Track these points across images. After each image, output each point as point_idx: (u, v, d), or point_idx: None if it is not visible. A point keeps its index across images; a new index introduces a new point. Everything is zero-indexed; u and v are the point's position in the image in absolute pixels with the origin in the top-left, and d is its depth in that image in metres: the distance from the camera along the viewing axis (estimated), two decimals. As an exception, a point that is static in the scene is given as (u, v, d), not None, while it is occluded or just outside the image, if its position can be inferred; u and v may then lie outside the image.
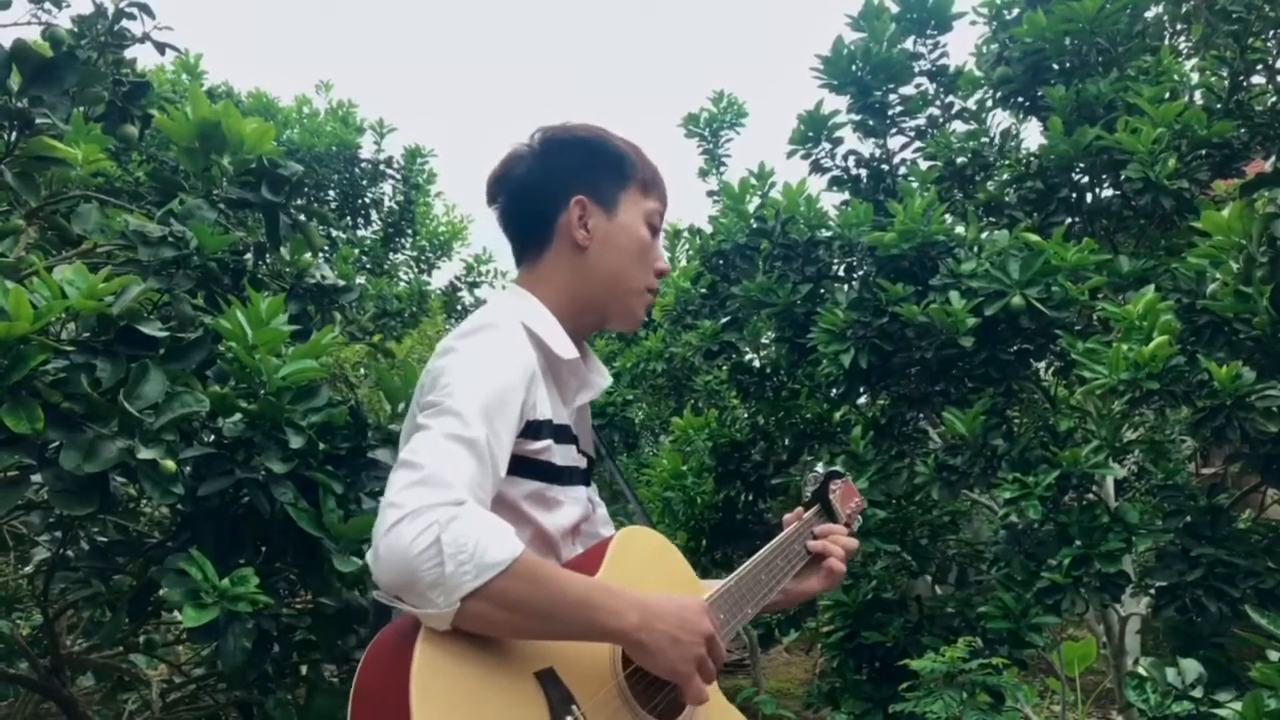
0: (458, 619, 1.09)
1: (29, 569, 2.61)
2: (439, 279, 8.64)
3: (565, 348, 1.41)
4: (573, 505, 1.41)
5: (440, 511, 1.09)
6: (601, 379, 1.51)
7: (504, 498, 1.29)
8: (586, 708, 1.21)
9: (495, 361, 1.29)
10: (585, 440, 1.52)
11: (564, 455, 1.39)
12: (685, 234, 6.62)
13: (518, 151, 1.51)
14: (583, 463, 1.48)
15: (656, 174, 1.53)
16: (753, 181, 4.49)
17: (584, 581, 1.20)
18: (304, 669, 2.38)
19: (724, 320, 4.71)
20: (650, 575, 1.38)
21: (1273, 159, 3.78)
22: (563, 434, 1.40)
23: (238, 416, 2.03)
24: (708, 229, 4.86)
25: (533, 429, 1.32)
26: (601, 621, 1.17)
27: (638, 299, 1.50)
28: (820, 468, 1.80)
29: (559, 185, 1.46)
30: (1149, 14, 4.08)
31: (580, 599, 1.16)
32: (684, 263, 6.54)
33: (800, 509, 1.72)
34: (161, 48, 2.85)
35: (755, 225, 4.31)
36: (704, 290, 4.78)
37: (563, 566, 1.34)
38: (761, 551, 1.55)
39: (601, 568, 1.31)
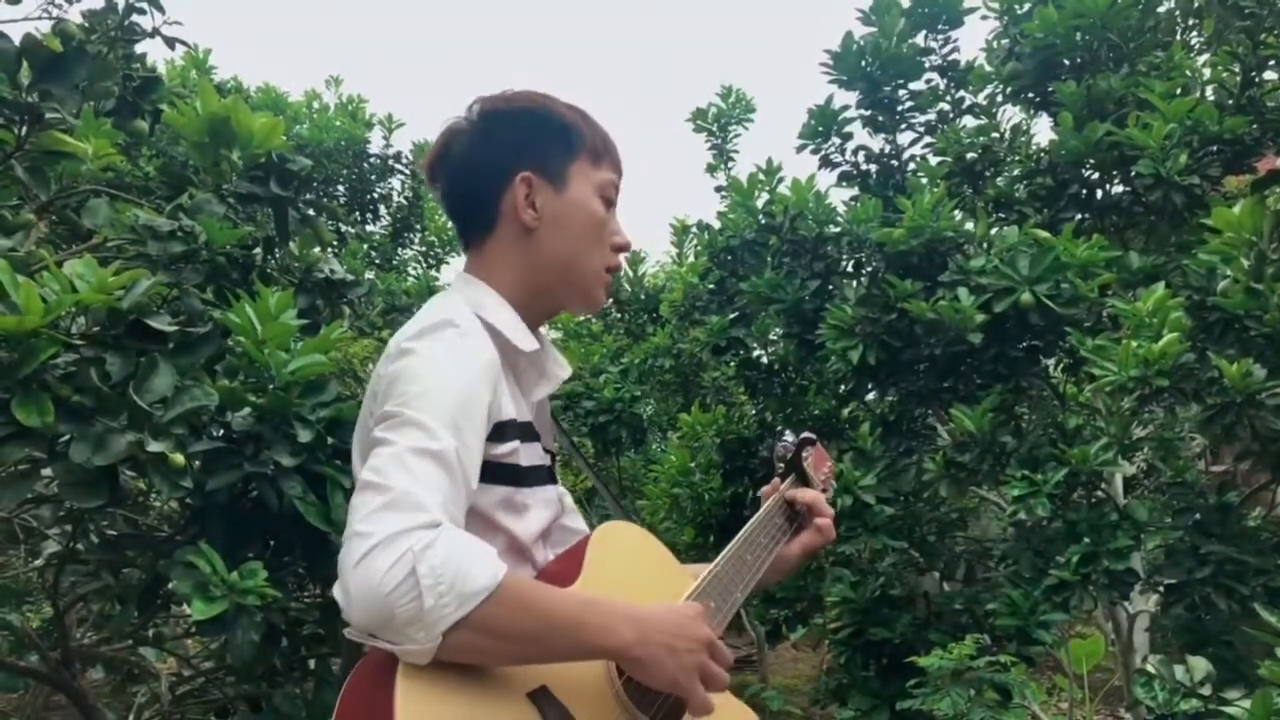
0: (440, 653, 1.01)
1: (39, 562, 2.62)
2: (447, 274, 8.65)
3: (525, 339, 1.30)
4: (541, 508, 1.32)
5: (414, 537, 1.00)
6: (561, 370, 1.41)
7: (474, 508, 1.19)
8: None
9: (457, 363, 1.18)
10: (547, 436, 1.42)
11: (529, 455, 1.30)
12: (693, 230, 6.62)
13: (456, 127, 1.39)
14: (547, 460, 1.39)
15: (607, 140, 1.40)
16: (761, 177, 4.48)
17: (572, 599, 1.13)
18: (312, 663, 2.39)
19: (732, 316, 4.71)
20: (633, 573, 1.33)
21: (1285, 155, 3.76)
22: (527, 432, 1.31)
23: (247, 410, 2.03)
24: (716, 225, 4.86)
25: (499, 431, 1.23)
26: (594, 641, 1.10)
27: (595, 280, 1.37)
28: (789, 436, 1.74)
29: (502, 161, 1.33)
30: (1161, 9, 4.05)
31: (570, 619, 1.09)
32: (692, 258, 6.54)
33: (776, 480, 1.66)
34: (171, 43, 2.85)
35: (764, 221, 4.31)
36: (712, 286, 4.78)
37: (541, 573, 1.29)
38: (743, 530, 1.50)
39: (582, 573, 1.25)
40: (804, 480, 1.68)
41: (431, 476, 1.07)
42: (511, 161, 1.33)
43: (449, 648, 1.01)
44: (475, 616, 1.00)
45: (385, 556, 0.98)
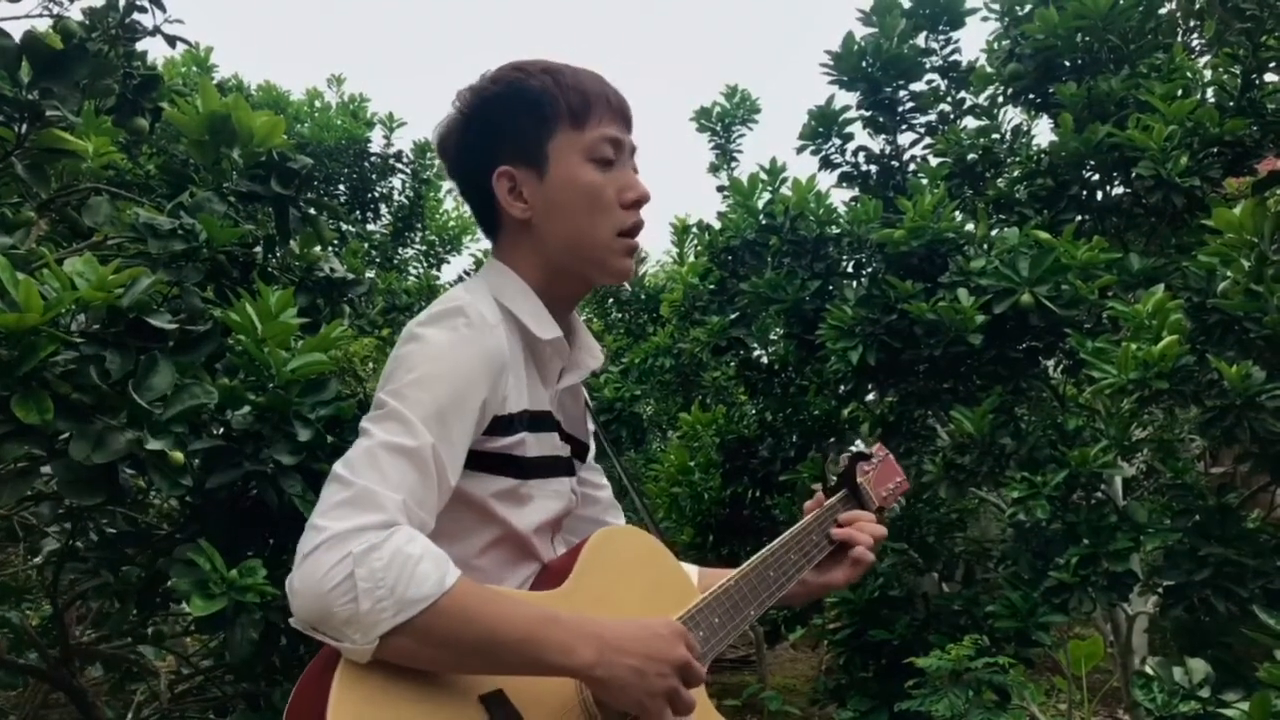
0: (379, 654, 0.98)
1: (38, 560, 2.62)
2: (448, 273, 8.65)
3: (545, 327, 1.26)
4: (548, 500, 1.27)
5: (361, 538, 0.98)
6: (591, 359, 1.35)
7: (471, 497, 1.18)
8: None
9: (456, 355, 1.14)
10: (573, 424, 1.37)
11: (540, 445, 1.25)
12: (694, 230, 6.62)
13: (449, 124, 1.33)
14: (565, 450, 1.32)
15: (586, 94, 1.27)
16: (763, 177, 4.49)
17: (529, 615, 1.07)
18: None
19: (732, 316, 4.71)
20: (626, 583, 1.27)
21: (1285, 157, 3.76)
22: (541, 422, 1.26)
23: (246, 409, 2.03)
24: (717, 225, 4.86)
25: (503, 424, 1.19)
26: (549, 659, 1.05)
27: (608, 251, 1.28)
28: (857, 446, 1.62)
29: (484, 161, 1.28)
30: (1162, 11, 4.06)
31: (524, 636, 1.04)
32: (692, 258, 6.55)
33: (821, 494, 1.57)
34: (172, 41, 2.84)
35: (764, 221, 4.31)
36: (712, 286, 4.78)
37: (545, 569, 1.26)
38: (772, 545, 1.42)
39: (569, 579, 1.21)
40: (858, 498, 1.59)
41: (400, 475, 1.05)
42: (491, 157, 1.28)
43: (388, 650, 0.98)
44: (415, 623, 0.98)
45: (330, 554, 0.98)
